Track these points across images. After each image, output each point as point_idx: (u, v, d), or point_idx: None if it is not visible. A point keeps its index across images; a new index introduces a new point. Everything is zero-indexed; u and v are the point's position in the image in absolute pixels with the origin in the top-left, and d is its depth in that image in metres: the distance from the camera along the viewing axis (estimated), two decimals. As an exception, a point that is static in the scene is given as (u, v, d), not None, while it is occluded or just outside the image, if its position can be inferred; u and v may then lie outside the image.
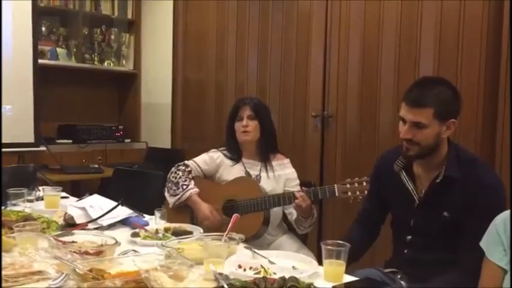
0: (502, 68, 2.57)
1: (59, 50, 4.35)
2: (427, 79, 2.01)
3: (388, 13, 3.08)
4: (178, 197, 2.32)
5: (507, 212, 1.52)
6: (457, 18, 2.80)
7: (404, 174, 1.87)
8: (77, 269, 1.34)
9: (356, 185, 2.04)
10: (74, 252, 1.50)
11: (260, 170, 2.40)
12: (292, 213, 2.32)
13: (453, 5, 2.80)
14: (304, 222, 2.26)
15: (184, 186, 2.32)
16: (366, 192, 2.02)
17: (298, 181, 2.41)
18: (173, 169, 2.41)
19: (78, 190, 3.57)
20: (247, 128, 2.36)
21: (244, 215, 2.15)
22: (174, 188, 2.34)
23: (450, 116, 1.74)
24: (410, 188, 1.86)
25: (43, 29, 4.32)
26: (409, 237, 1.88)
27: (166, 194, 2.39)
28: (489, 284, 1.51)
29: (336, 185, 2.07)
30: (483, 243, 1.55)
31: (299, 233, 2.38)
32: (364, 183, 2.02)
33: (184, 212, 2.38)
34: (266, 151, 2.42)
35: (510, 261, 1.43)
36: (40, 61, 3.94)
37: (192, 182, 2.35)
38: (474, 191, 1.72)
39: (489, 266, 1.52)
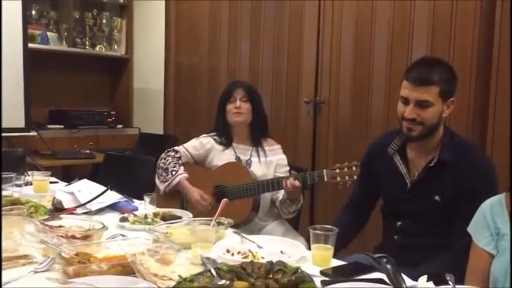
0: (494, 55, 2.57)
1: (49, 34, 4.29)
2: (429, 58, 2.01)
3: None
4: (168, 183, 2.31)
5: (494, 198, 1.53)
6: (450, 5, 2.78)
7: (398, 158, 1.87)
8: (62, 253, 1.34)
9: (345, 169, 2.03)
10: (61, 236, 1.49)
11: (251, 154, 2.39)
12: (278, 197, 2.32)
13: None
14: (290, 206, 2.25)
15: (174, 172, 2.31)
16: (354, 177, 2.01)
17: (288, 167, 2.40)
18: (163, 155, 2.40)
19: (69, 175, 3.55)
20: (240, 109, 2.34)
21: (233, 200, 2.15)
22: (164, 174, 2.33)
23: (450, 95, 1.76)
24: (403, 172, 1.85)
25: (33, 12, 4.25)
26: (399, 223, 1.88)
27: (157, 181, 2.38)
28: (477, 268, 1.52)
29: (325, 170, 2.06)
30: (471, 229, 1.55)
31: (283, 217, 2.38)
32: (354, 168, 2.01)
33: (175, 197, 2.37)
34: (257, 135, 2.41)
35: (510, 245, 1.43)
36: (30, 45, 3.89)
37: (182, 167, 2.34)
38: (466, 175, 1.72)
39: (476, 251, 1.53)
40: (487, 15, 2.64)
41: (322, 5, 3.31)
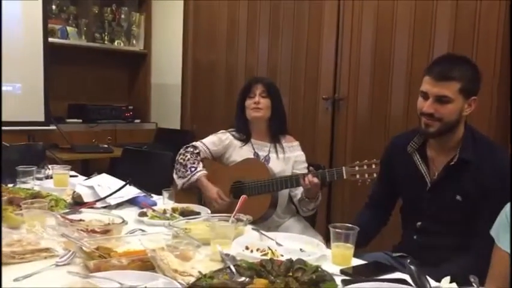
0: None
1: (69, 28, 4.34)
2: (453, 55, 1.98)
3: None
4: (186, 179, 2.31)
5: None
6: (474, 5, 2.73)
7: (418, 157, 1.84)
8: (83, 247, 1.34)
9: (365, 167, 2.01)
10: (81, 230, 1.50)
11: (269, 150, 2.38)
12: (296, 194, 2.31)
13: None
14: (309, 204, 2.24)
15: (193, 169, 2.30)
16: (374, 175, 1.99)
17: (306, 164, 2.39)
18: (181, 151, 2.39)
19: (87, 169, 3.58)
20: (259, 104, 2.33)
21: (251, 196, 2.14)
22: (183, 170, 2.33)
23: (473, 94, 1.72)
24: (423, 171, 1.83)
25: (53, 7, 4.29)
26: (419, 223, 1.86)
27: (175, 176, 2.38)
28: (499, 271, 1.49)
29: (344, 168, 2.04)
30: (493, 231, 1.52)
31: (302, 215, 2.37)
32: (373, 166, 1.99)
33: (193, 192, 2.37)
34: (276, 131, 2.40)
35: (510, 246, 1.40)
36: (50, 40, 3.93)
37: (201, 164, 2.34)
38: (490, 175, 1.69)
39: (499, 253, 1.49)
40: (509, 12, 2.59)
41: (342, 3, 3.28)
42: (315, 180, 2.07)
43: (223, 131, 2.46)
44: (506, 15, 2.61)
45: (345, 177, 2.04)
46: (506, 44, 2.63)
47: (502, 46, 2.64)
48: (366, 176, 2.01)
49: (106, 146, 4.06)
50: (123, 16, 4.69)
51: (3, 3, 3.24)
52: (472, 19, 2.74)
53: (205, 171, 2.31)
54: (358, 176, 2.02)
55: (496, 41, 2.66)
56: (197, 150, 2.37)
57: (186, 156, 2.35)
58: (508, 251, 1.46)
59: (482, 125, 2.55)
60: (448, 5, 2.82)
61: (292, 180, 2.17)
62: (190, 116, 4.45)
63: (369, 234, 1.96)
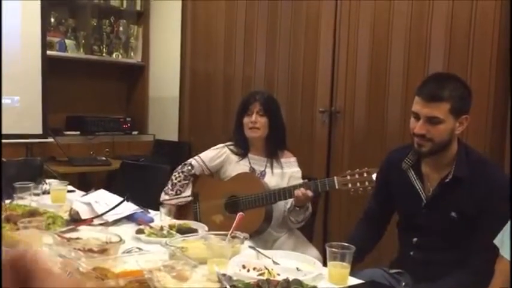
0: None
1: (67, 41, 4.35)
2: (442, 75, 2.01)
3: (398, 9, 3.03)
4: (168, 197, 2.41)
5: None
6: (468, 14, 2.75)
7: (413, 173, 1.85)
8: (80, 268, 1.34)
9: (356, 176, 2.02)
10: (78, 249, 1.49)
11: (266, 166, 2.39)
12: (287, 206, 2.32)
13: (465, 3, 2.76)
14: (298, 214, 2.24)
15: (179, 192, 2.39)
16: (366, 183, 2.00)
17: (301, 181, 2.39)
18: (178, 168, 2.45)
19: (85, 182, 3.58)
20: (256, 124, 2.34)
21: (246, 211, 2.15)
22: (170, 188, 2.42)
23: (464, 112, 1.74)
24: (418, 187, 1.84)
25: (52, 20, 4.30)
26: (415, 239, 1.87)
27: (165, 188, 2.44)
28: (502, 280, 1.49)
29: (335, 177, 2.05)
30: (497, 241, 1.52)
31: (291, 227, 2.36)
32: (365, 174, 2.00)
33: (189, 208, 2.38)
34: (274, 147, 2.41)
35: (510, 250, 1.41)
36: (48, 52, 3.93)
37: (189, 189, 2.38)
38: (484, 192, 1.70)
39: (503, 263, 1.49)
40: (507, 12, 2.59)
41: (339, 13, 3.30)
42: (309, 193, 2.09)
43: (222, 145, 2.47)
44: (502, 16, 2.62)
45: (337, 187, 2.05)
46: (502, 47, 2.63)
47: (497, 54, 2.65)
48: (358, 184, 2.01)
49: (104, 158, 4.05)
50: (121, 29, 4.70)
51: (3, 11, 3.25)
52: (467, 21, 2.75)
53: (187, 198, 2.39)
54: (350, 186, 2.03)
55: (492, 42, 2.66)
56: (193, 171, 2.40)
57: (180, 176, 2.40)
58: None
59: (479, 141, 2.57)
60: (444, 7, 2.84)
61: (286, 193, 2.17)
62: (188, 127, 4.46)
63: (364, 248, 1.97)
